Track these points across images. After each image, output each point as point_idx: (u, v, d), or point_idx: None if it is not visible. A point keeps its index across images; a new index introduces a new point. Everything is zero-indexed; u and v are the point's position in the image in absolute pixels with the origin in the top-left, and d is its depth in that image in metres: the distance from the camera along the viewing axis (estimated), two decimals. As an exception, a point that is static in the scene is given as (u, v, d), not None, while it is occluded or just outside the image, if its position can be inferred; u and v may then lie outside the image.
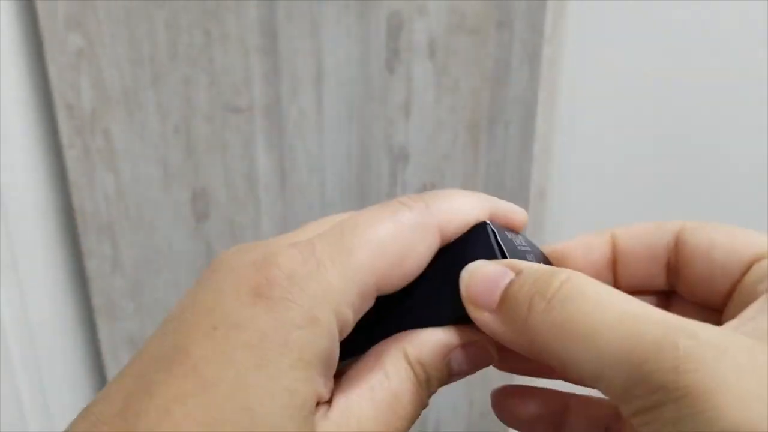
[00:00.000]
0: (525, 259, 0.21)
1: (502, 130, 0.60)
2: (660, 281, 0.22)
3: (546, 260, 0.23)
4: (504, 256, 0.20)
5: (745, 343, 0.15)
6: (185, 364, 0.16)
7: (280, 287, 0.16)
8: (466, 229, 0.20)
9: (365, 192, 0.65)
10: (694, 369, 0.14)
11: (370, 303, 0.18)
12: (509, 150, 0.61)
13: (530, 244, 0.22)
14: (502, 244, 0.20)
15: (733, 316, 0.18)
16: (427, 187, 0.63)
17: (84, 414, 0.16)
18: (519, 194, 0.62)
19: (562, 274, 0.18)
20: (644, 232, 0.22)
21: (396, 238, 0.18)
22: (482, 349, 0.20)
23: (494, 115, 0.60)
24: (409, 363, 0.19)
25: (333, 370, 0.18)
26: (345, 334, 0.18)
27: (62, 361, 0.81)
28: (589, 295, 0.17)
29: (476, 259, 0.19)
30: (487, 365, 0.21)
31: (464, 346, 0.20)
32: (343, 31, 0.59)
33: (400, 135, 0.62)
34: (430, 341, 0.19)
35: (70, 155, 0.70)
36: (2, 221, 0.69)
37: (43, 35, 0.66)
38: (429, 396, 0.20)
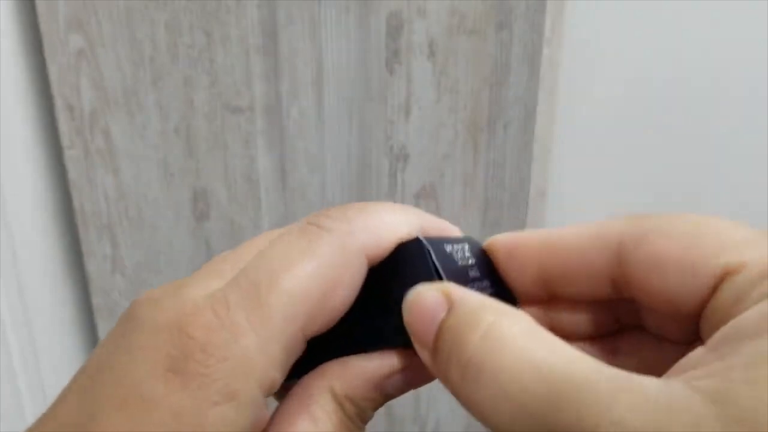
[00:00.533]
0: (467, 275, 0.19)
1: (501, 130, 0.60)
2: (606, 292, 0.19)
3: (490, 265, 0.20)
4: (440, 277, 0.18)
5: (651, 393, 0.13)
6: None
7: (195, 361, 0.15)
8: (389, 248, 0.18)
9: (365, 192, 0.65)
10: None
11: (301, 349, 0.17)
12: (509, 150, 0.61)
13: (473, 248, 0.20)
14: (437, 265, 0.18)
15: (707, 345, 0.15)
16: (426, 187, 0.63)
17: None
18: (519, 194, 0.62)
19: (488, 315, 0.16)
20: (578, 246, 0.18)
21: (316, 277, 0.16)
22: (417, 372, 0.18)
23: (494, 116, 0.60)
24: (338, 402, 0.17)
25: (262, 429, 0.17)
26: (274, 392, 0.17)
27: (62, 361, 0.81)
28: (508, 347, 0.15)
29: (411, 281, 0.17)
30: (426, 383, 0.19)
31: (399, 371, 0.18)
32: (343, 32, 0.60)
33: (400, 135, 0.62)
34: (360, 374, 0.18)
35: (71, 155, 0.70)
36: (2, 221, 0.69)
37: (44, 36, 0.66)
38: (365, 423, 0.18)
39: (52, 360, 0.79)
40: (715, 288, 0.16)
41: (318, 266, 0.16)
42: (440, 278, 0.18)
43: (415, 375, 0.18)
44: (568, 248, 0.18)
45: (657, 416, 0.13)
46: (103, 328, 0.78)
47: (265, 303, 0.16)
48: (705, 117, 0.92)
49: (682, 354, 0.15)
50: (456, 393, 0.16)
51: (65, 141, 0.70)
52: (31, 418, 0.75)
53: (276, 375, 0.16)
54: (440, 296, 0.17)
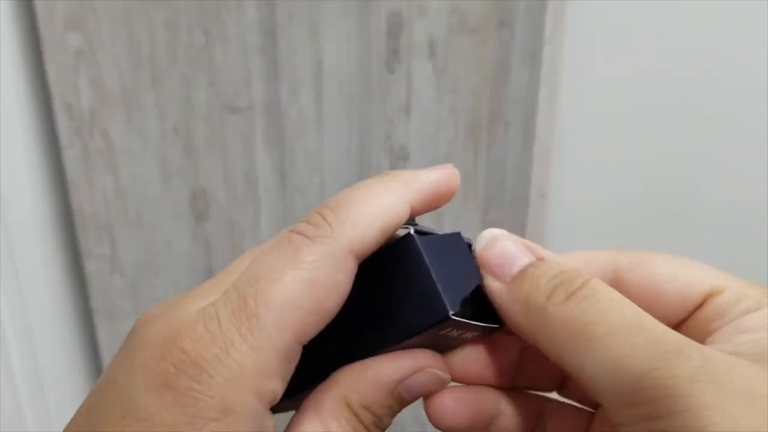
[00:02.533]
0: (462, 275, 0.19)
1: (502, 129, 0.60)
2: None
3: (476, 263, 0.20)
4: (437, 278, 0.18)
5: (746, 364, 0.16)
6: None
7: (187, 376, 0.15)
8: (386, 236, 0.18)
9: (365, 192, 0.65)
10: (707, 380, 0.15)
11: (297, 357, 0.17)
12: (509, 150, 0.61)
13: (462, 244, 0.20)
14: (429, 267, 0.18)
15: None
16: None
17: None
18: (519, 194, 0.62)
19: (584, 273, 0.18)
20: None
21: (304, 287, 0.16)
22: (433, 375, 0.19)
23: (494, 115, 0.60)
24: (354, 413, 0.17)
25: None
26: (275, 402, 0.16)
27: (61, 362, 0.81)
28: (608, 299, 0.17)
29: (407, 282, 0.18)
30: (441, 389, 0.19)
31: (414, 374, 0.18)
32: (343, 31, 0.59)
33: (400, 135, 0.62)
34: (374, 381, 0.18)
35: (69, 155, 0.70)
36: (1, 222, 0.69)
37: (42, 35, 0.65)
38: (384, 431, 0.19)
39: (51, 360, 0.79)
40: (700, 305, 0.19)
41: (304, 275, 0.16)
42: (435, 281, 0.18)
43: (429, 378, 0.19)
44: None
45: (746, 372, 0.15)
46: (102, 329, 0.78)
47: (253, 315, 0.16)
48: (706, 117, 0.91)
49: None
50: (526, 332, 0.18)
51: (64, 141, 0.70)
52: (30, 418, 0.75)
53: (274, 385, 0.16)
54: (522, 247, 0.19)
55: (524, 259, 0.19)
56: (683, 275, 0.19)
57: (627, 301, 0.17)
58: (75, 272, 0.81)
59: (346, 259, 0.17)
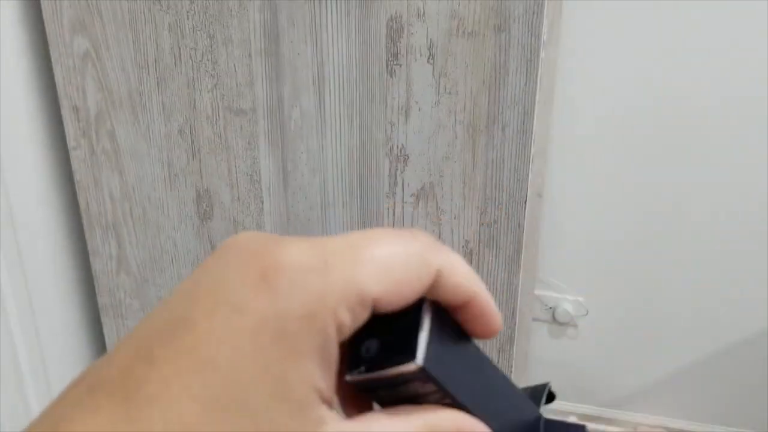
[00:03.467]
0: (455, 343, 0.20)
1: (500, 131, 0.61)
2: None
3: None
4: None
5: None
6: (185, 340, 0.16)
7: (285, 277, 0.17)
8: (455, 290, 0.19)
9: (366, 192, 0.66)
10: None
11: (367, 314, 0.18)
12: (507, 151, 0.61)
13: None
14: (426, 352, 0.18)
15: None
16: (426, 187, 0.64)
17: (83, 375, 0.17)
18: (516, 194, 0.63)
19: None
20: None
21: (400, 262, 0.18)
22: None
23: (492, 117, 0.61)
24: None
25: (332, 368, 0.18)
26: (343, 337, 0.18)
27: (68, 359, 0.82)
28: None
29: (397, 357, 0.19)
30: None
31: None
32: (344, 35, 0.60)
33: (400, 136, 0.63)
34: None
35: (76, 156, 0.71)
36: (10, 221, 0.70)
37: (49, 38, 0.67)
38: None
39: (58, 357, 0.80)
40: None
41: (405, 255, 0.18)
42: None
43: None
44: None
45: None
46: (109, 326, 0.79)
47: (357, 257, 0.18)
48: (700, 121, 0.92)
49: None
50: None
51: (71, 142, 0.71)
52: (36, 412, 0.76)
53: (347, 319, 0.18)
54: None
55: None
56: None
57: None
58: (82, 270, 0.82)
59: (431, 273, 0.19)
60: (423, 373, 0.18)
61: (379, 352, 0.19)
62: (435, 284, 0.19)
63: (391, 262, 0.18)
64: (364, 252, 0.18)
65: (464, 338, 0.20)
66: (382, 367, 0.19)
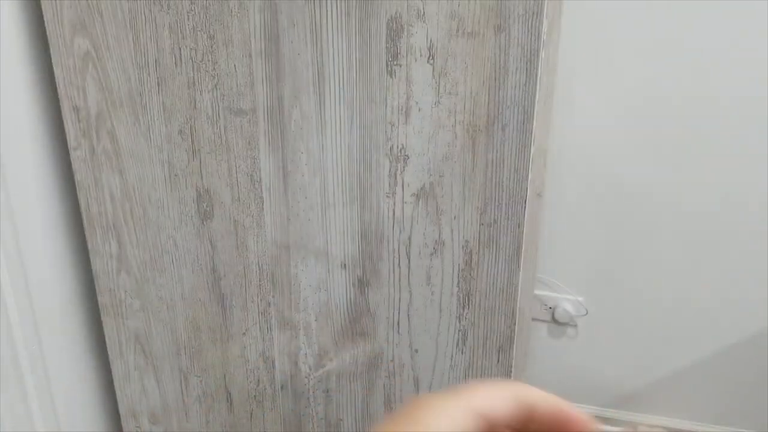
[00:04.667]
0: None
1: (499, 131, 0.61)
2: None
3: None
4: None
5: None
6: None
7: (413, 421, 0.21)
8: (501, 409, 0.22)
9: (366, 192, 0.66)
10: None
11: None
12: (507, 151, 0.62)
13: None
14: None
15: None
16: (426, 187, 0.64)
17: None
18: (516, 194, 0.63)
19: None
20: None
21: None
22: None
23: (492, 117, 0.61)
24: None
25: None
26: None
27: (69, 359, 0.82)
28: None
29: None
30: None
31: None
32: (344, 35, 0.60)
33: (400, 136, 0.63)
34: None
35: (77, 156, 0.71)
36: (10, 221, 0.70)
37: (49, 39, 0.67)
38: None
39: (59, 357, 0.80)
40: None
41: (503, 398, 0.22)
42: None
43: None
44: None
45: None
46: (109, 326, 0.79)
47: (463, 396, 0.22)
48: (700, 121, 0.92)
49: None
50: None
51: (72, 142, 0.71)
52: (37, 415, 0.76)
53: None
54: None
55: None
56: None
57: None
58: (82, 270, 0.82)
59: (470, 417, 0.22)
60: None
61: None
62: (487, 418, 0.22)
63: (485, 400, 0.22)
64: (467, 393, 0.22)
65: None
66: None
